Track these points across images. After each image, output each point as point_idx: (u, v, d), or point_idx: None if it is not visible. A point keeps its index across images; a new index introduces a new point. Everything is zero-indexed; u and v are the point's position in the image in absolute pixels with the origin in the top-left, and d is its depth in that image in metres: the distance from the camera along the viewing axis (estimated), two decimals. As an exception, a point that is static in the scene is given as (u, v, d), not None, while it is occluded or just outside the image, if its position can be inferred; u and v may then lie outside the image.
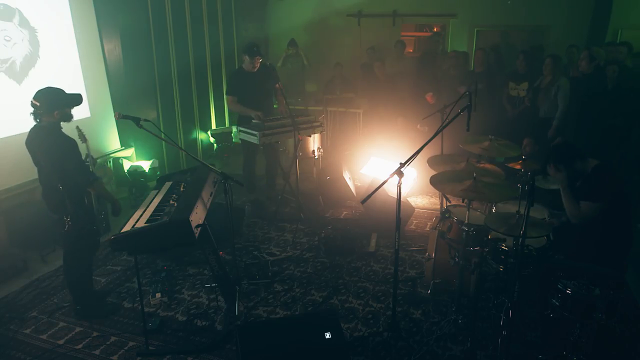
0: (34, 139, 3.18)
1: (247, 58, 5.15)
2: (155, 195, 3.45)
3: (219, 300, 3.64)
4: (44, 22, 4.92)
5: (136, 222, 3.00)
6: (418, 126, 6.07)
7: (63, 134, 3.22)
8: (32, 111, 3.13)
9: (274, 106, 5.59)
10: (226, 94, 5.41)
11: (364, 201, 3.07)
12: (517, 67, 5.95)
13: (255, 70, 5.19)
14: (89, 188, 3.32)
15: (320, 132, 5.34)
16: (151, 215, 3.05)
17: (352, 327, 3.36)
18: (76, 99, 3.25)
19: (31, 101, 3.11)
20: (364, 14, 8.36)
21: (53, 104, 3.13)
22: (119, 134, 6.02)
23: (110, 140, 5.92)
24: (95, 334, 3.35)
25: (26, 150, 3.22)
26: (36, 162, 3.26)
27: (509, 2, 7.42)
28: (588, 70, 5.12)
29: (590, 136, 4.98)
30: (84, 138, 3.46)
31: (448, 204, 3.82)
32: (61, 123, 3.24)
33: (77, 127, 3.47)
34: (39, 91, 3.13)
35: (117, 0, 5.58)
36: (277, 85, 5.08)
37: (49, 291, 3.90)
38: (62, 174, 3.18)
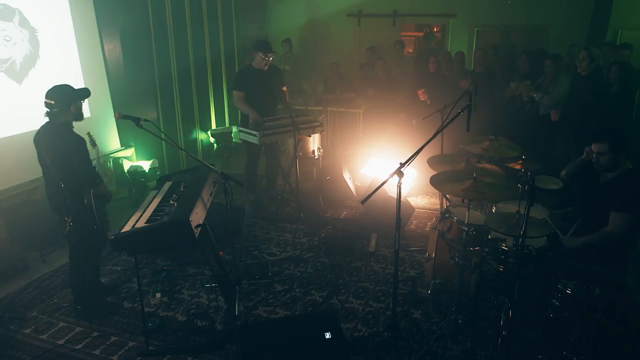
0: (43, 136, 3.19)
1: (259, 55, 4.99)
2: (155, 195, 3.45)
3: (219, 300, 3.64)
4: (44, 22, 4.92)
5: (136, 222, 3.00)
6: (414, 122, 6.10)
7: (73, 131, 3.24)
8: (46, 111, 3.15)
9: (279, 106, 5.56)
10: (234, 88, 5.24)
11: (364, 201, 3.07)
12: (519, 67, 5.94)
13: (266, 68, 5.08)
14: (92, 189, 3.30)
15: (320, 132, 5.33)
16: (151, 215, 3.05)
17: (352, 327, 3.36)
18: (85, 92, 3.33)
19: (45, 101, 3.14)
20: (364, 14, 8.36)
21: (68, 99, 3.18)
22: (119, 134, 6.03)
23: (110, 140, 5.93)
24: (95, 334, 3.35)
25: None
26: (41, 159, 3.26)
27: (509, 2, 7.42)
28: (587, 71, 5.10)
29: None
30: (94, 143, 3.55)
31: (448, 204, 3.82)
32: (73, 122, 3.26)
33: (88, 133, 3.58)
34: (50, 90, 3.17)
35: (117, 0, 5.58)
36: (284, 88, 5.06)
37: (49, 291, 3.90)
38: (67, 172, 3.18)
